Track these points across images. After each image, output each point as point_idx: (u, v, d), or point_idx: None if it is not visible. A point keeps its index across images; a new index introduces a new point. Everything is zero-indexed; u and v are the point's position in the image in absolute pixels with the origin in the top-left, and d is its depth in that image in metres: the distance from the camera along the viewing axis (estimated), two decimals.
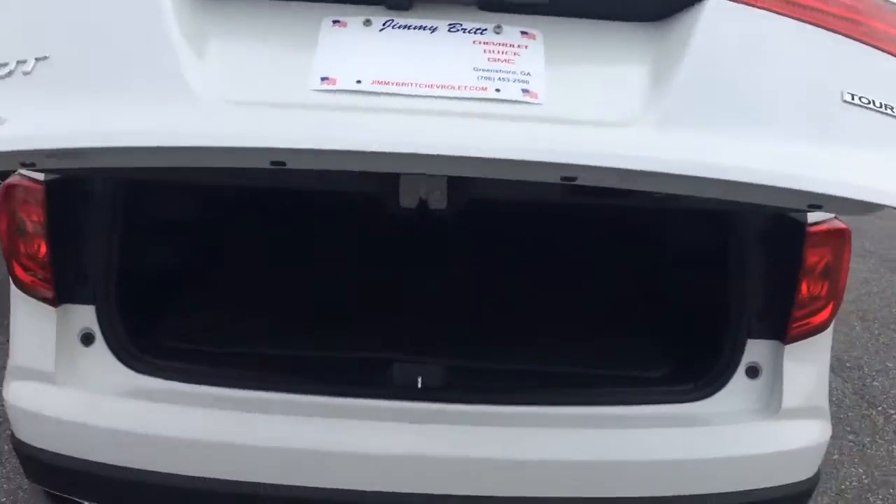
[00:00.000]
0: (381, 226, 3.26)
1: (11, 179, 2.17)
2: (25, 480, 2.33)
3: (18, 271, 2.18)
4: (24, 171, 2.13)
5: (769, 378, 2.22)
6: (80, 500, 2.17)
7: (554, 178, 1.52)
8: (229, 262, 2.99)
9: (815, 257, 2.15)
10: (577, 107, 1.50)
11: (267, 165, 1.52)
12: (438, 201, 2.07)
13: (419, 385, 2.17)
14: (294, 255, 3.10)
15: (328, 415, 2.08)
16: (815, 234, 2.14)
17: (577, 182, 1.53)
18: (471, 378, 2.25)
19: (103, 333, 2.17)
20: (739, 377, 2.22)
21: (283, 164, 1.51)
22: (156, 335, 2.34)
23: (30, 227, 2.15)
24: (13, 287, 2.20)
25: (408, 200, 2.07)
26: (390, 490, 2.04)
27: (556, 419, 2.12)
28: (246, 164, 1.57)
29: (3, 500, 3.22)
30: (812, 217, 2.14)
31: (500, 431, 2.08)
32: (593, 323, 2.64)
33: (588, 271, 3.04)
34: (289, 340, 2.38)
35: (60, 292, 2.17)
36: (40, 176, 2.12)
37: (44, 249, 2.14)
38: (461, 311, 2.71)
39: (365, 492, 2.03)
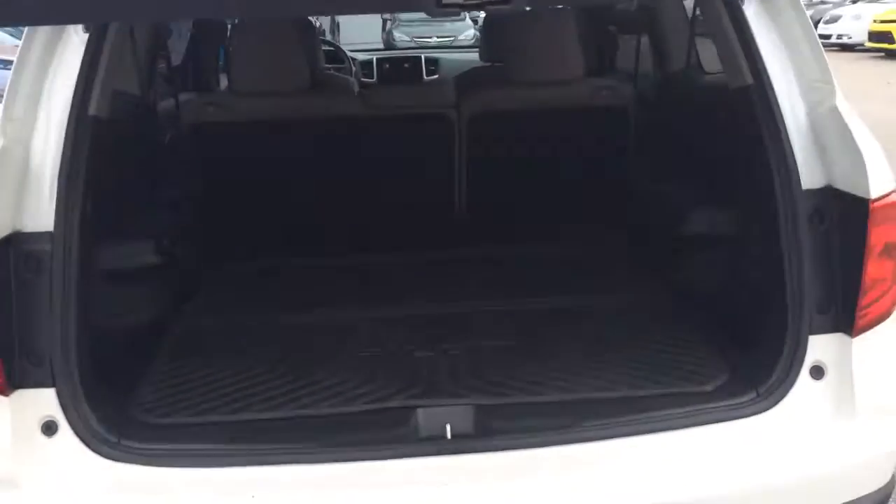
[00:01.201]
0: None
1: None
2: None
3: None
4: None
5: (836, 377, 1.96)
6: None
7: None
8: (199, 309, 2.67)
9: (880, 235, 1.90)
10: None
11: None
12: None
13: (448, 434, 1.86)
14: (273, 295, 2.78)
15: (351, 486, 1.77)
16: (881, 208, 1.88)
17: None
18: (501, 417, 1.94)
19: (69, 419, 1.81)
20: (804, 380, 1.96)
21: None
22: (131, 411, 1.99)
23: None
24: None
25: None
26: None
27: (610, 455, 1.84)
28: None
29: None
30: (875, 191, 1.88)
31: (548, 479, 1.79)
32: (629, 328, 2.37)
33: (611, 260, 2.80)
34: (287, 398, 2.06)
35: (11, 377, 1.81)
36: None
37: None
38: (471, 333, 2.43)
39: None
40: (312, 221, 3.25)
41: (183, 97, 3.41)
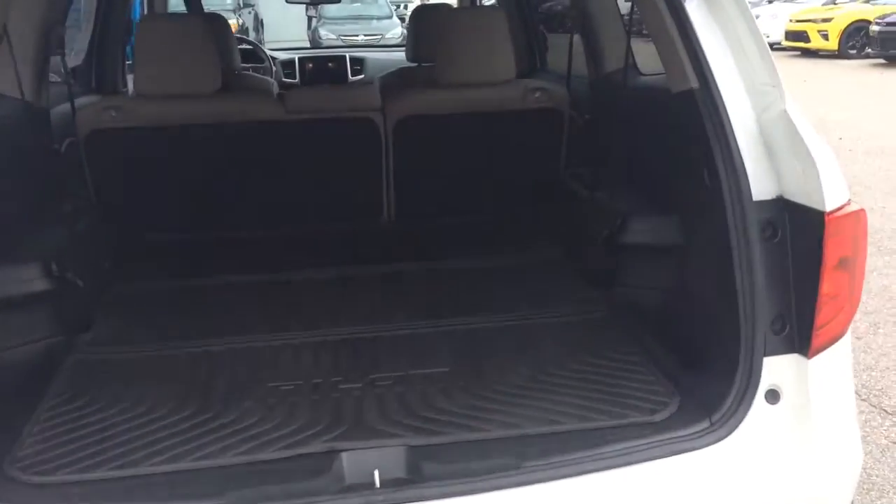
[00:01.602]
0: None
1: None
2: None
3: None
4: None
5: (793, 401, 1.83)
6: None
7: None
8: (95, 339, 2.39)
9: (835, 249, 1.77)
10: None
11: None
12: None
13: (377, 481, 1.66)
14: (181, 319, 2.51)
15: None
16: (836, 220, 1.75)
17: None
18: (436, 459, 1.75)
19: None
20: (759, 405, 1.83)
21: None
22: (8, 467, 1.72)
23: None
24: None
25: None
26: None
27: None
28: None
29: None
30: (829, 203, 1.75)
31: None
32: (572, 350, 2.20)
33: (549, 272, 2.64)
34: (191, 445, 1.81)
35: None
36: None
37: None
38: (402, 359, 2.22)
39: None
40: (226, 235, 3.00)
41: (81, 101, 3.11)
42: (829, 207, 1.74)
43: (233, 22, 16.17)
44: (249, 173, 3.04)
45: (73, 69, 3.87)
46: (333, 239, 3.08)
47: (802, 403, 1.83)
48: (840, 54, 17.93)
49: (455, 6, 4.95)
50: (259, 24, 19.40)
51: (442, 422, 1.89)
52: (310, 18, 17.45)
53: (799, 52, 19.03)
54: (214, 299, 2.64)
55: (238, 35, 6.02)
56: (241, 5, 18.64)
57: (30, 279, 2.22)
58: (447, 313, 2.48)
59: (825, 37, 18.26)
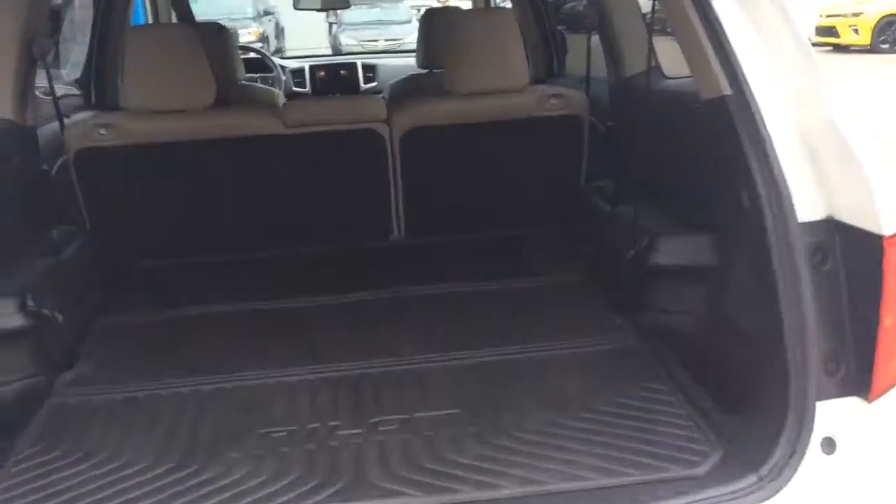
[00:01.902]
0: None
1: None
2: None
3: None
4: None
5: (852, 451, 1.60)
6: None
7: None
8: (78, 379, 2.22)
9: None
10: None
11: None
12: None
13: None
14: (172, 355, 2.33)
15: None
16: None
17: None
18: None
19: None
20: (814, 456, 1.59)
21: None
22: None
23: None
24: None
25: None
26: None
27: None
28: None
29: None
30: (889, 225, 1.52)
31: None
32: (598, 388, 1.98)
33: (570, 296, 2.43)
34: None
35: None
36: None
37: None
38: (408, 399, 2.02)
39: None
40: (223, 260, 2.82)
41: (71, 119, 2.95)
42: (888, 231, 1.51)
43: (254, 30, 16.16)
44: (247, 192, 2.86)
45: (76, 82, 3.73)
46: (339, 261, 2.89)
47: (863, 454, 1.60)
48: (872, 49, 17.44)
49: (467, 9, 4.75)
50: (280, 31, 19.39)
51: (450, 476, 1.68)
52: (330, 25, 17.38)
53: (830, 48, 18.55)
54: (209, 331, 2.46)
55: (242, 44, 5.84)
56: (262, 13, 18.62)
57: (4, 316, 2.05)
58: (459, 344, 2.27)
59: (856, 31, 17.78)
